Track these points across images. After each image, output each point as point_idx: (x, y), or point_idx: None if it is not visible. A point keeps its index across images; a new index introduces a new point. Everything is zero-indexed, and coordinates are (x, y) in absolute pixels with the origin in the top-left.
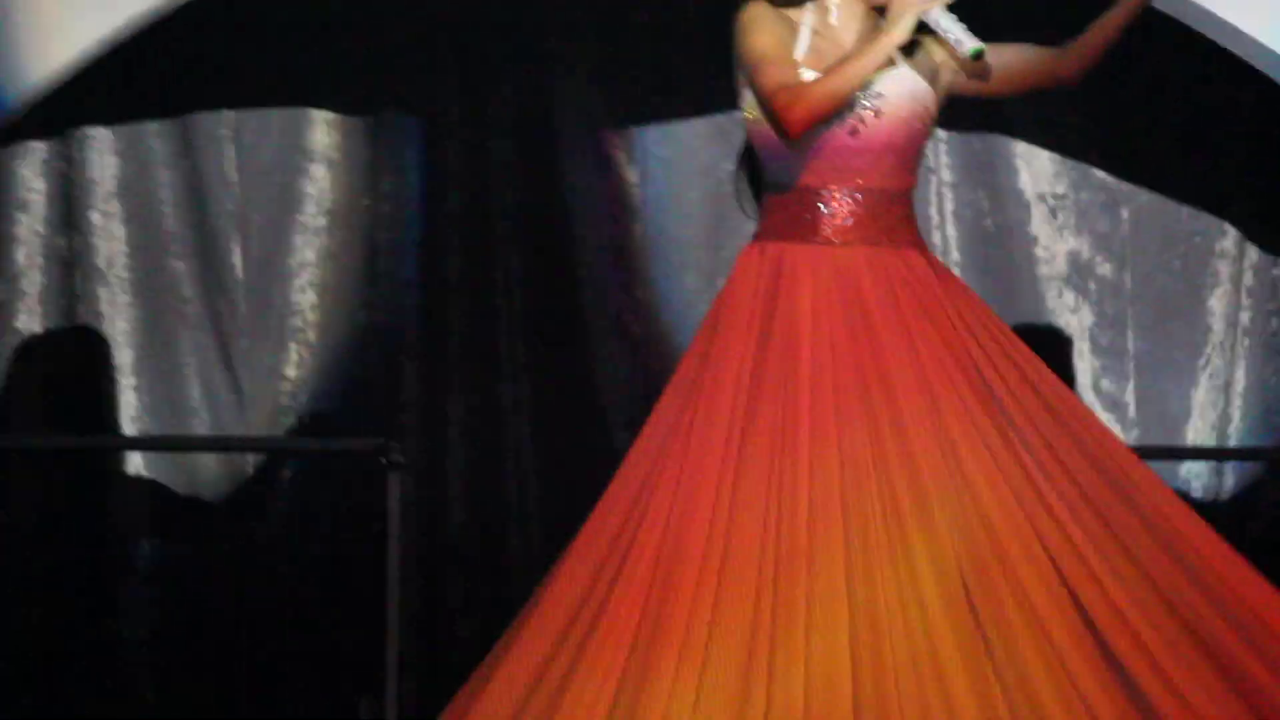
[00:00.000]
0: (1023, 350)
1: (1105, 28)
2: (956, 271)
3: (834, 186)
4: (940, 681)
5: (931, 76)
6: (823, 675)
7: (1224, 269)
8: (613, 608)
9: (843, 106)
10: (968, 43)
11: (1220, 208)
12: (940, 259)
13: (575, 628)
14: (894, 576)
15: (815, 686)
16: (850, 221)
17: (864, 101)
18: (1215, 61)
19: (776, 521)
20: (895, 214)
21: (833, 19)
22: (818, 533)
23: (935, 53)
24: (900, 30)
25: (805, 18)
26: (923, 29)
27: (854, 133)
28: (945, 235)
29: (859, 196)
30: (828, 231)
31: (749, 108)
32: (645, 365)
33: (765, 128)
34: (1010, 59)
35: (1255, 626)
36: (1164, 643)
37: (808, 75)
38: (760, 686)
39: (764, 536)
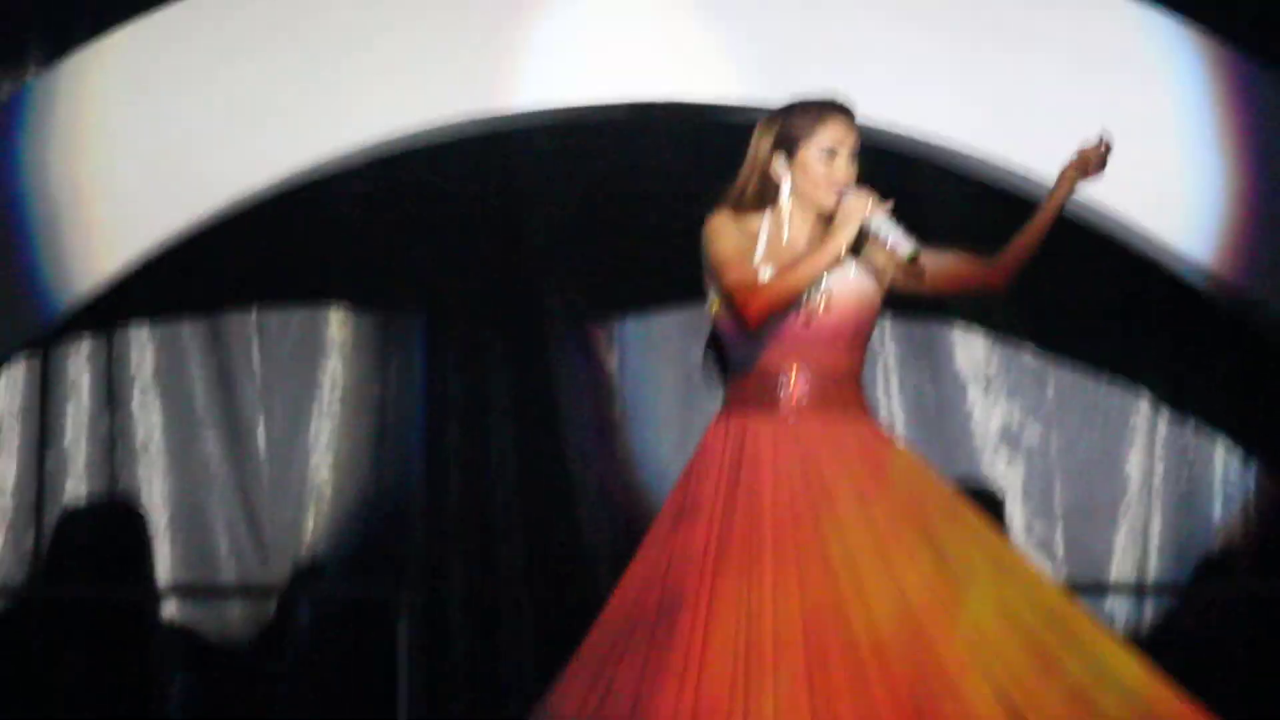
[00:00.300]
0: (965, 507)
1: (1025, 239)
2: (903, 439)
3: (791, 368)
4: None
5: (875, 274)
6: None
7: (1140, 433)
8: None
9: (795, 301)
10: (904, 246)
11: (1135, 382)
12: (888, 430)
13: None
14: (853, 708)
15: None
16: (806, 398)
17: (816, 295)
18: (1128, 258)
19: (745, 672)
20: (846, 390)
21: (786, 225)
22: (782, 670)
23: (878, 254)
24: (844, 236)
25: (763, 224)
26: (865, 233)
27: (807, 323)
28: (891, 410)
29: (813, 376)
30: (786, 407)
31: (714, 301)
32: (626, 524)
33: (728, 318)
34: (945, 264)
35: None
36: None
37: (765, 274)
38: None
39: (733, 689)
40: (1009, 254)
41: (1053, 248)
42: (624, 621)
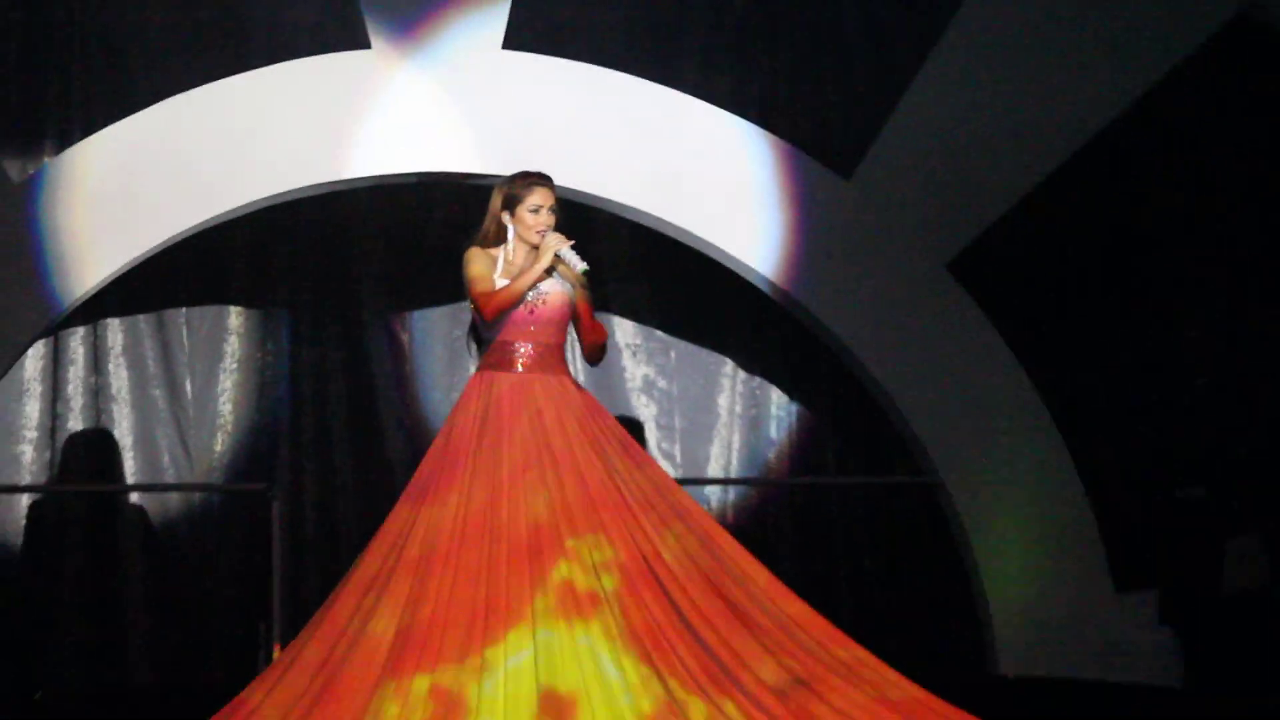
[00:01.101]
0: (623, 432)
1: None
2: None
3: (521, 341)
4: (593, 652)
5: (570, 285)
6: (514, 642)
7: (726, 382)
8: (372, 627)
9: (518, 302)
10: (579, 266)
11: (723, 351)
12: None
13: (334, 654)
14: (555, 560)
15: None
16: (530, 360)
17: (538, 294)
18: (724, 272)
19: (492, 532)
20: (554, 357)
21: (512, 254)
22: (517, 536)
23: (568, 273)
24: (544, 261)
25: (499, 253)
26: (559, 259)
27: (531, 311)
28: (577, 369)
29: (534, 346)
30: (518, 366)
31: (470, 302)
32: (414, 442)
33: (477, 313)
34: (580, 306)
35: (761, 595)
36: (716, 613)
37: (500, 283)
38: (475, 654)
39: (485, 545)
40: (583, 343)
41: (677, 266)
42: (417, 499)
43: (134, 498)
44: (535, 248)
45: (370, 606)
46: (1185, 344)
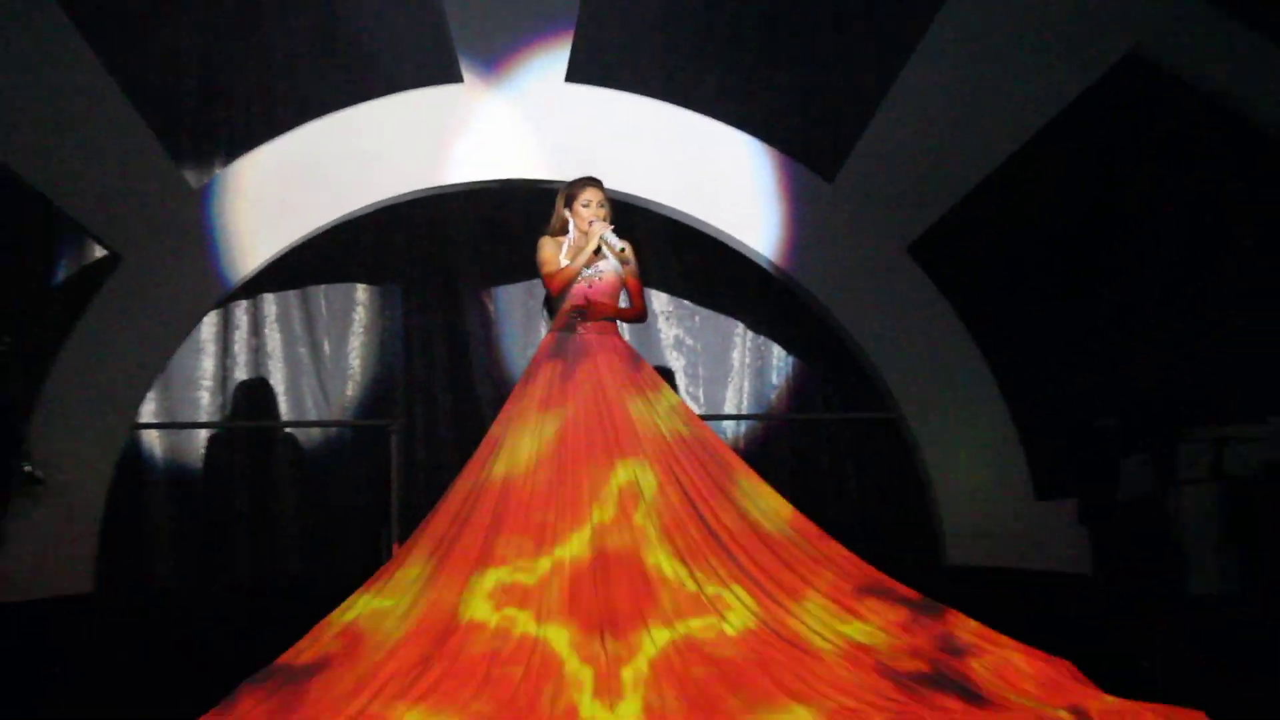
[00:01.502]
0: (658, 379)
1: (631, 291)
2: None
3: (583, 307)
4: (642, 560)
5: (620, 265)
6: (571, 557)
7: (738, 340)
8: (464, 537)
9: (577, 278)
10: (616, 244)
11: (736, 316)
12: (624, 340)
13: (438, 552)
14: (608, 478)
15: (565, 562)
16: (590, 324)
17: (596, 272)
18: (733, 254)
19: (559, 458)
20: (609, 322)
21: (572, 240)
22: (579, 460)
23: (618, 255)
24: (592, 244)
25: (565, 241)
26: (606, 243)
27: (590, 286)
28: (622, 329)
29: (594, 313)
30: (580, 328)
31: (542, 279)
32: (498, 388)
33: (547, 287)
34: (629, 283)
35: (768, 509)
36: (730, 520)
37: (564, 264)
38: (547, 557)
39: (553, 468)
40: (631, 309)
41: (699, 250)
42: (498, 438)
43: (286, 432)
44: (586, 235)
45: (465, 515)
46: (1099, 311)
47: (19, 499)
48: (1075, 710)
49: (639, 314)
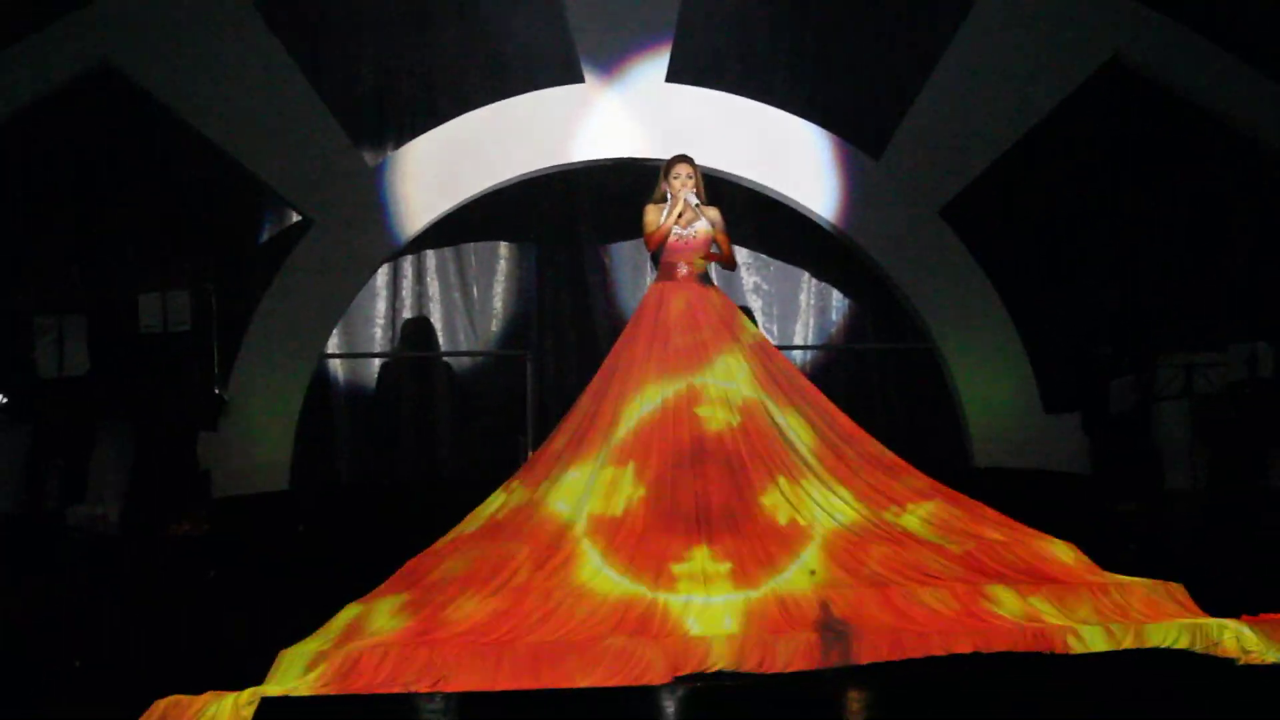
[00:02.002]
0: (745, 319)
1: (721, 244)
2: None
3: (680, 261)
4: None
5: (711, 224)
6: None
7: (804, 285)
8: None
9: (668, 235)
10: (693, 201)
11: (802, 265)
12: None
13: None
14: (703, 394)
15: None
16: (685, 274)
17: (691, 231)
18: (798, 216)
19: (662, 382)
20: (703, 272)
21: (669, 206)
22: (680, 387)
23: (706, 214)
24: (677, 206)
25: (665, 207)
26: (691, 204)
27: (685, 243)
28: (714, 278)
29: (688, 265)
30: (678, 277)
31: (645, 237)
32: (613, 326)
33: (649, 243)
34: (719, 238)
35: (844, 433)
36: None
37: (664, 223)
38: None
39: (660, 390)
40: (722, 255)
41: (774, 214)
42: (610, 372)
43: (442, 359)
44: (679, 200)
45: (582, 433)
46: (1095, 261)
47: (223, 418)
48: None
49: (729, 262)
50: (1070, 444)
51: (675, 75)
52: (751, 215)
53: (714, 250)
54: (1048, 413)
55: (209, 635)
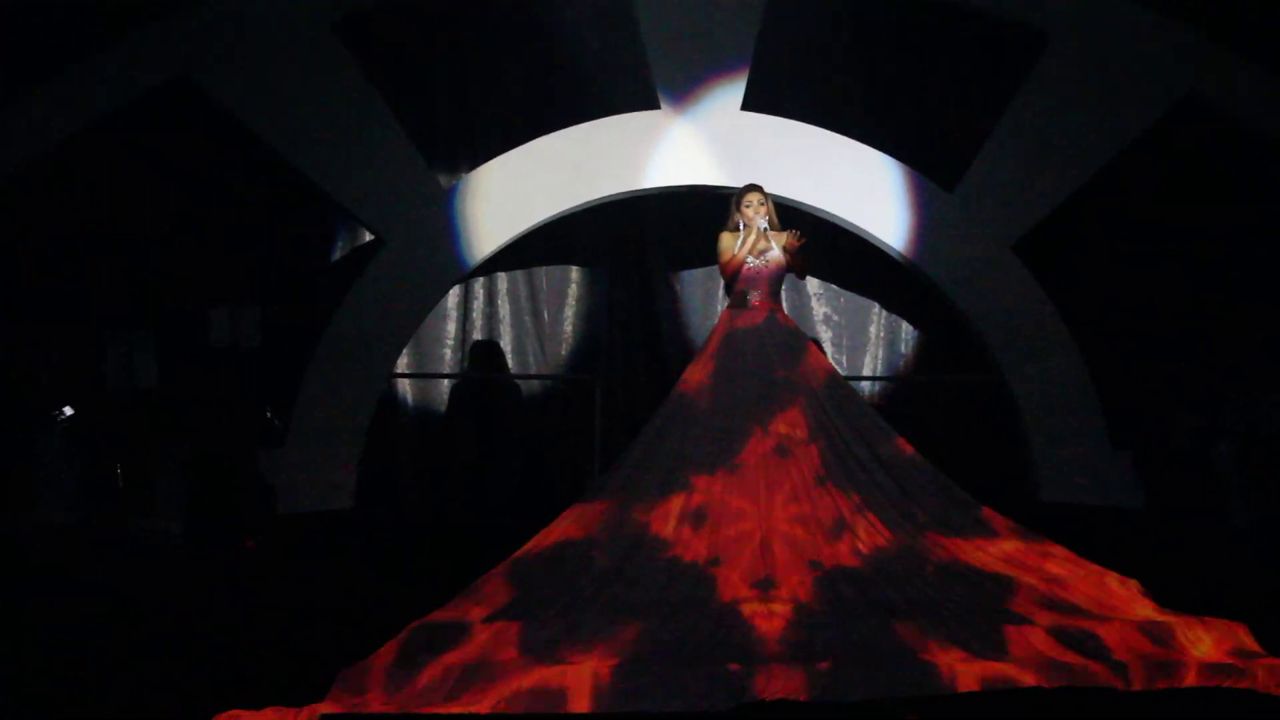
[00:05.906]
0: (821, 356)
1: (794, 263)
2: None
3: (751, 290)
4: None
5: (781, 251)
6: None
7: (874, 317)
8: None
9: (741, 264)
10: (761, 225)
11: (873, 297)
12: (787, 315)
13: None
14: (782, 431)
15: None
16: (756, 301)
17: (762, 259)
18: (871, 249)
19: (731, 402)
20: (775, 299)
21: (742, 234)
22: (749, 408)
23: (777, 240)
24: (752, 235)
25: (739, 234)
26: (764, 232)
27: (757, 272)
28: (785, 307)
29: (759, 293)
30: (750, 306)
31: (720, 265)
32: (681, 353)
33: (722, 270)
34: (793, 261)
35: (894, 453)
36: (875, 495)
37: (738, 252)
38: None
39: (725, 410)
40: (794, 263)
41: (845, 244)
42: (681, 392)
43: (511, 382)
44: (751, 229)
45: (653, 445)
46: (1164, 301)
47: (289, 438)
48: (1147, 622)
49: (801, 272)
50: (1136, 480)
51: (752, 103)
52: (827, 244)
53: (795, 258)
54: (1115, 448)
55: (271, 651)
